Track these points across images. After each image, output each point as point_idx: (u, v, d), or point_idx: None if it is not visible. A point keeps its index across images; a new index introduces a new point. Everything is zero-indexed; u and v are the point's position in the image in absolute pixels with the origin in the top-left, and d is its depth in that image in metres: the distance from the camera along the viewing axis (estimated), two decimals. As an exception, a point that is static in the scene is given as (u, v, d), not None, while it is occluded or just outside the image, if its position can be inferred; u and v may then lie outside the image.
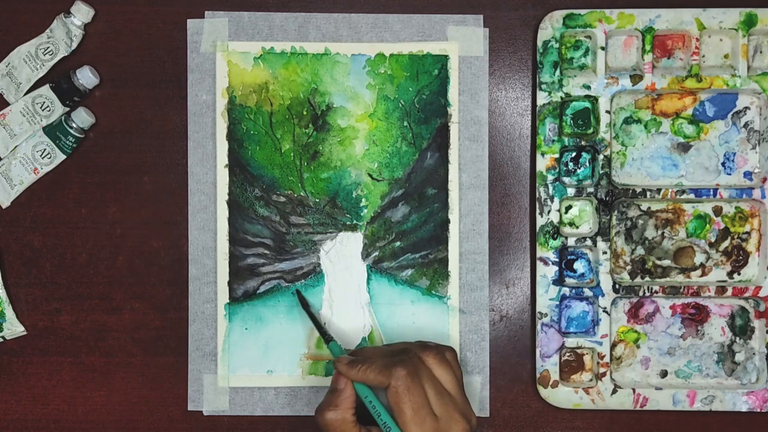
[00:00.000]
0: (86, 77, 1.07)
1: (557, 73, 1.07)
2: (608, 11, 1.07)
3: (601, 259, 1.07)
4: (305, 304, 1.08)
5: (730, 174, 1.05)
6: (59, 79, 1.08)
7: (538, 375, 1.07)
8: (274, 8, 1.09)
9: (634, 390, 1.07)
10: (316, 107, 1.09)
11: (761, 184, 1.06)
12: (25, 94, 1.09)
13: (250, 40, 1.09)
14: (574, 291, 1.07)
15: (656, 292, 1.07)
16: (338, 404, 0.96)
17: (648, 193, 1.06)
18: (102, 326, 1.10)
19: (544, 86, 1.07)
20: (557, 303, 1.07)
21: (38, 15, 1.09)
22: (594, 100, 1.06)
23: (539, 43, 1.07)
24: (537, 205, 1.07)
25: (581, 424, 1.09)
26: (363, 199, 1.09)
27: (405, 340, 1.05)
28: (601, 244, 1.07)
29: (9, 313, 1.09)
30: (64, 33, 1.08)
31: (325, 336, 1.05)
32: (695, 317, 1.06)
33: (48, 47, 1.08)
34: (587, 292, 1.07)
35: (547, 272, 1.07)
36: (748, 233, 1.05)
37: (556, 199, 1.07)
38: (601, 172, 1.07)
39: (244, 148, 1.09)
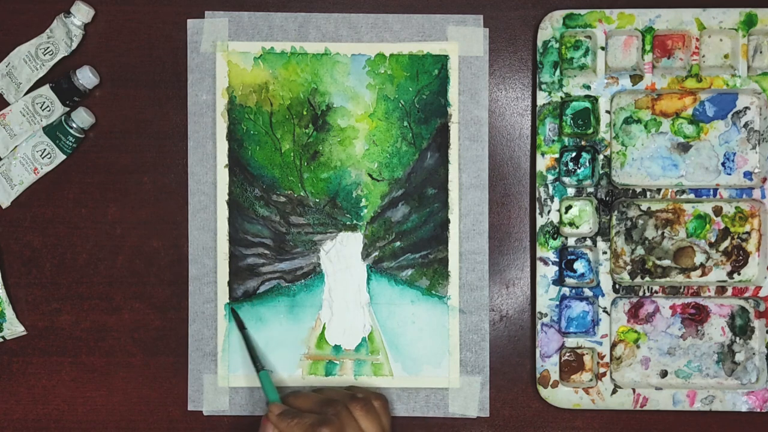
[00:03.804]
0: (86, 77, 1.07)
1: (557, 73, 1.07)
2: (608, 11, 1.07)
3: (601, 259, 1.07)
4: (241, 326, 1.08)
5: (730, 174, 1.05)
6: (59, 79, 1.08)
7: (538, 375, 1.07)
8: (274, 8, 1.09)
9: (634, 390, 1.07)
10: (316, 107, 1.09)
11: (761, 184, 1.06)
12: (25, 94, 1.09)
13: (250, 40, 1.09)
14: (574, 291, 1.07)
15: (656, 292, 1.07)
16: None
17: (648, 193, 1.06)
18: (102, 326, 1.10)
19: (544, 86, 1.07)
20: (557, 303, 1.07)
21: (38, 15, 1.09)
22: (594, 100, 1.06)
23: (539, 43, 1.07)
24: (537, 205, 1.07)
25: (581, 424, 1.09)
26: (363, 199, 1.09)
27: (335, 389, 1.06)
28: (601, 244, 1.07)
29: (9, 313, 1.09)
30: (64, 33, 1.08)
31: (256, 364, 1.05)
32: (695, 317, 1.06)
33: (48, 47, 1.08)
34: (587, 292, 1.07)
35: (547, 272, 1.07)
36: (748, 233, 1.05)
37: (556, 199, 1.07)
38: (601, 172, 1.07)
39: (244, 148, 1.09)
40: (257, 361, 1.06)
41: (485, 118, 1.09)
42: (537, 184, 1.07)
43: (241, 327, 1.08)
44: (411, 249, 1.09)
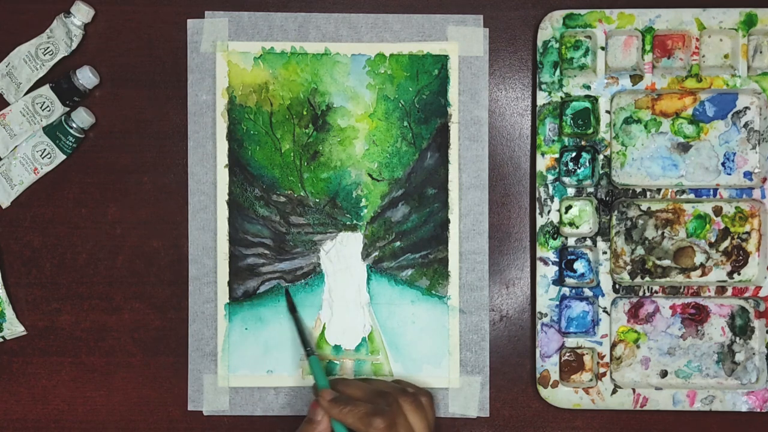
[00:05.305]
0: (86, 77, 1.07)
1: (557, 73, 1.07)
2: (608, 11, 1.07)
3: (601, 259, 1.07)
4: (293, 309, 1.07)
5: (730, 174, 1.05)
6: (59, 79, 1.08)
7: (538, 375, 1.07)
8: (274, 8, 1.09)
9: (634, 390, 1.07)
10: (316, 107, 1.09)
11: (761, 184, 1.06)
12: (25, 94, 1.09)
13: (250, 40, 1.09)
14: (574, 291, 1.07)
15: (656, 292, 1.07)
16: None
17: (648, 193, 1.06)
18: (102, 326, 1.10)
19: (544, 86, 1.07)
20: (557, 303, 1.07)
21: (38, 15, 1.09)
22: (594, 100, 1.06)
23: (539, 43, 1.07)
24: (537, 205, 1.07)
25: (581, 424, 1.09)
26: (363, 199, 1.09)
27: (389, 380, 1.06)
28: (601, 244, 1.07)
29: (9, 313, 1.09)
30: (64, 33, 1.08)
31: (307, 348, 1.05)
32: (695, 317, 1.06)
33: (48, 47, 1.08)
34: (587, 292, 1.07)
35: (547, 272, 1.07)
36: (748, 233, 1.05)
37: (556, 199, 1.07)
38: (601, 172, 1.07)
39: (244, 148, 1.09)
40: (308, 345, 1.05)
41: (485, 118, 1.09)
42: (537, 184, 1.07)
43: (293, 309, 1.07)
44: (411, 249, 1.09)
